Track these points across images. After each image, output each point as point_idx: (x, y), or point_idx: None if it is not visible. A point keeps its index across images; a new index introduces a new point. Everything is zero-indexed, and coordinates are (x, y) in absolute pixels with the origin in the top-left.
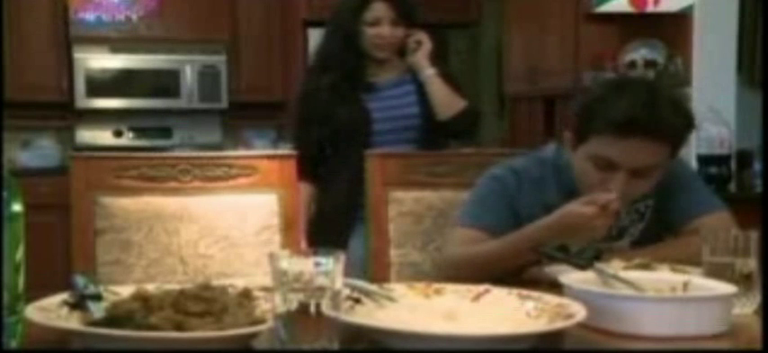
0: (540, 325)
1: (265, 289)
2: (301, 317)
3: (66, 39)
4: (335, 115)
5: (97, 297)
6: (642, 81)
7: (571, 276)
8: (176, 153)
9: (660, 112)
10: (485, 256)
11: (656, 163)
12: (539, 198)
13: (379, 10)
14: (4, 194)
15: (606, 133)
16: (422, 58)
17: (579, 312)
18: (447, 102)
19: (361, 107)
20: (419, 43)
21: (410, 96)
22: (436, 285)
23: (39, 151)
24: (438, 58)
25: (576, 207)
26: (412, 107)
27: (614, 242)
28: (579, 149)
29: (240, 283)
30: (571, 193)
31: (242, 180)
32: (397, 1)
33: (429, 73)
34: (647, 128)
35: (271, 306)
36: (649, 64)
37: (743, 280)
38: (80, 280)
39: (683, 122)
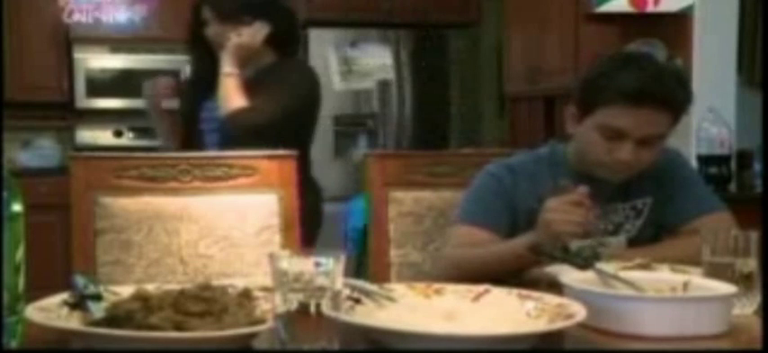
0: (540, 325)
1: (265, 289)
2: (301, 317)
3: (66, 39)
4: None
5: (97, 297)
6: (644, 54)
7: (571, 276)
8: (176, 153)
9: (667, 83)
10: (481, 260)
11: (660, 133)
12: (534, 192)
13: (205, 12)
14: (4, 194)
15: (616, 103)
16: (224, 55)
17: (579, 312)
18: (222, 102)
19: (194, 108)
20: (230, 40)
21: None
22: (436, 285)
23: (39, 151)
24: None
25: (551, 201)
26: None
27: (610, 237)
28: (585, 121)
29: (240, 283)
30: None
31: (242, 180)
32: (215, 1)
33: (223, 71)
34: (656, 98)
35: (271, 306)
36: None
37: (743, 280)
38: (80, 280)
39: (684, 94)
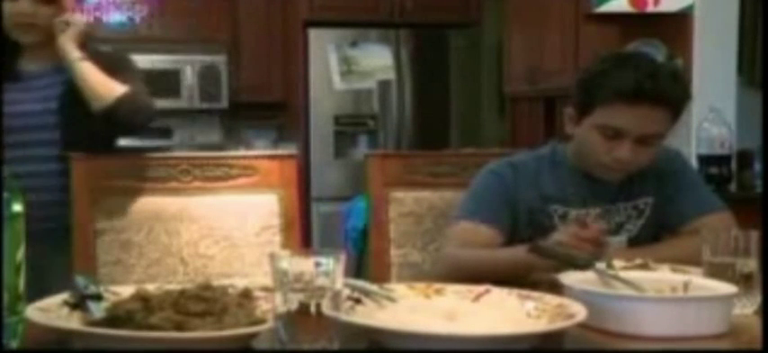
0: (540, 325)
1: (266, 289)
2: (301, 317)
3: None
4: None
5: (97, 297)
6: (638, 53)
7: (571, 276)
8: (176, 153)
9: (662, 80)
10: (483, 263)
11: (658, 131)
12: (535, 190)
13: None
14: (5, 194)
15: (614, 102)
16: (67, 42)
17: (579, 312)
18: (99, 90)
19: None
20: (68, 24)
21: (52, 89)
22: (436, 286)
23: None
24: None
25: (562, 235)
26: (49, 102)
27: (611, 237)
28: (584, 121)
29: (240, 283)
30: (566, 185)
31: (242, 180)
32: None
33: (73, 57)
34: (652, 95)
35: (271, 306)
36: None
37: (743, 280)
38: (80, 280)
39: (681, 91)
